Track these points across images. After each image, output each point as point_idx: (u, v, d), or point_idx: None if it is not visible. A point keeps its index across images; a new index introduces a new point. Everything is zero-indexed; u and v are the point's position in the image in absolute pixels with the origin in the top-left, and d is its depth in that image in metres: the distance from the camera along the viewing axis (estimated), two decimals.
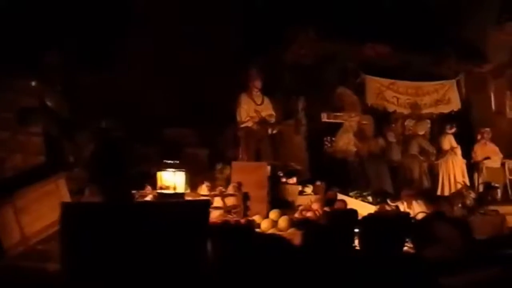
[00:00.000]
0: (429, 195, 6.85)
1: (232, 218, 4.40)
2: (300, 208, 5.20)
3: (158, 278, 3.21)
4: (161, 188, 3.88)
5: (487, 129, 10.36)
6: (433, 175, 9.73)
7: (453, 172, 9.38)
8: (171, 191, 3.80)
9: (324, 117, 10.35)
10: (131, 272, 3.20)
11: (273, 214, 4.61)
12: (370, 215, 4.94)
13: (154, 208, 3.43)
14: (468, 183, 9.30)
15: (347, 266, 3.92)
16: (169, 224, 3.22)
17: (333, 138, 9.67)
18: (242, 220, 4.04)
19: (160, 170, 3.94)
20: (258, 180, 5.82)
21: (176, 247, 3.20)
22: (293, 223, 4.53)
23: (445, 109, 11.13)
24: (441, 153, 9.78)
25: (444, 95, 11.19)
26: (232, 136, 8.75)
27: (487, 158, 10.18)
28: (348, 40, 9.45)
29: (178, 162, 4.18)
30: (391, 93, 10.62)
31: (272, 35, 8.96)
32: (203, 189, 5.25)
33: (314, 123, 10.26)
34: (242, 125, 8.02)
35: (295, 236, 4.22)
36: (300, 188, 6.96)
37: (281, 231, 4.46)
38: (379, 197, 6.83)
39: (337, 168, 8.90)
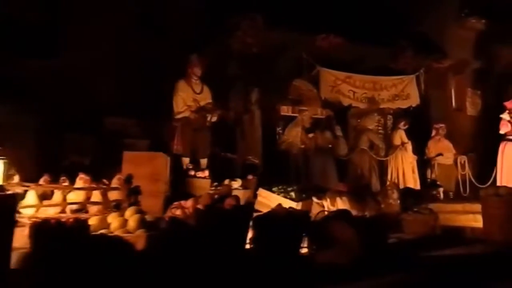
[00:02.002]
0: (361, 192, 6.08)
1: (53, 217, 3.65)
2: (172, 206, 4.43)
3: None
4: None
5: (442, 125, 9.68)
6: (384, 170, 9.00)
7: (402, 168, 8.65)
8: None
9: (289, 111, 9.68)
10: None
11: (128, 212, 3.87)
12: (263, 213, 4.22)
13: None
14: (416, 180, 8.60)
15: (213, 269, 3.18)
16: None
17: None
18: (71, 219, 3.32)
19: None
20: (153, 172, 5.07)
21: None
22: (144, 223, 3.77)
23: (403, 104, 10.42)
24: (392, 148, 9.01)
25: (403, 90, 10.46)
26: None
27: (440, 154, 9.47)
28: (299, 30, 8.66)
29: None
30: (347, 87, 9.87)
31: (219, 21, 8.16)
32: (78, 182, 4.49)
33: (269, 115, 9.51)
34: (179, 115, 7.23)
35: (140, 239, 3.47)
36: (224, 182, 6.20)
37: (129, 232, 3.71)
38: (305, 193, 6.08)
39: (280, 161, 8.17)
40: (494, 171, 8.29)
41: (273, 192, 6.17)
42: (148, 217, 3.94)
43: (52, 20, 8.17)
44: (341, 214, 4.33)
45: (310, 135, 8.30)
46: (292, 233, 3.88)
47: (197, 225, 3.67)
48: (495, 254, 5.43)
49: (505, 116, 7.87)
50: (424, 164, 9.59)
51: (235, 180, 6.42)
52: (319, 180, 7.87)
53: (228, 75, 8.86)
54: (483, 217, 6.34)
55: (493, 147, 8.89)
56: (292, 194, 6.06)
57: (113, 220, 3.77)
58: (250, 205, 4.69)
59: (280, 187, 6.27)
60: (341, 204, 5.54)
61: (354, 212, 5.59)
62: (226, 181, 6.40)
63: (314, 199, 5.84)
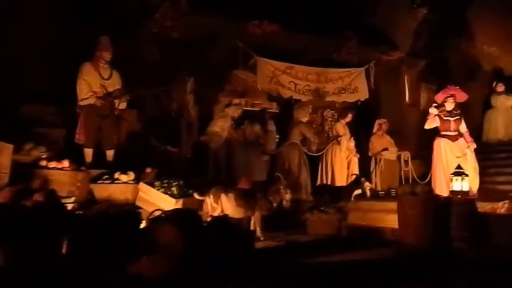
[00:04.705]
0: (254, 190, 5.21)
1: None
2: None
3: None
4: None
5: (385, 120, 8.79)
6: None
7: (331, 164, 7.75)
8: None
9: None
10: None
11: None
12: (84, 213, 3.40)
13: None
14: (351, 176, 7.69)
15: None
16: None
17: None
18: None
19: None
20: None
21: None
22: None
23: (350, 98, 9.55)
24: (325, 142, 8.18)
25: (350, 84, 9.58)
26: None
27: (385, 149, 8.62)
28: (229, 15, 7.78)
29: None
30: (288, 78, 8.99)
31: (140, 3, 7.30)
32: None
33: (207, 106, 8.65)
34: (83, 102, 6.37)
35: None
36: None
37: None
38: (190, 188, 5.21)
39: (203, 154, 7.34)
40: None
41: (155, 186, 5.32)
42: None
43: None
44: (176, 214, 3.46)
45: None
46: (107, 237, 3.04)
47: None
48: (393, 260, 4.60)
49: (432, 110, 6.99)
50: (367, 160, 8.75)
51: (126, 174, 5.56)
52: (243, 175, 7.00)
53: (156, 61, 8.02)
54: (399, 218, 5.52)
55: None
56: (174, 189, 5.21)
57: None
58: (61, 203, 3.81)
59: (165, 181, 5.42)
60: (226, 201, 4.71)
61: (240, 211, 4.78)
62: (116, 174, 5.56)
63: (195, 195, 4.99)
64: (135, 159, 7.06)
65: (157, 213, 3.48)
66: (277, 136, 8.78)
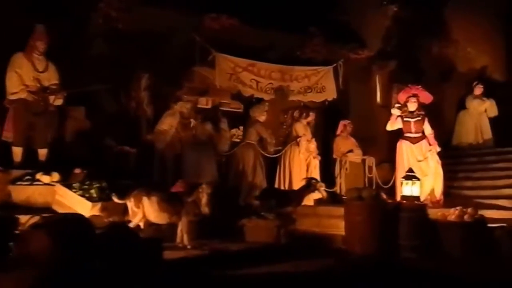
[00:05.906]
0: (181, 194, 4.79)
1: None
2: None
3: None
4: None
5: (349, 121, 8.41)
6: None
7: (289, 166, 7.36)
8: None
9: (208, 103, 8.43)
10: None
11: None
12: None
13: None
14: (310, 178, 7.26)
15: None
16: None
17: None
18: None
19: None
20: None
21: None
22: None
23: (317, 97, 9.13)
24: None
25: (317, 83, 9.17)
26: None
27: (350, 151, 8.24)
28: (184, 8, 7.36)
29: None
30: (249, 76, 8.56)
31: None
32: None
33: (165, 104, 8.21)
34: (12, 96, 5.91)
35: None
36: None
37: None
38: (115, 190, 4.76)
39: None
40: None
41: (73, 189, 4.88)
42: None
43: None
44: (54, 220, 3.02)
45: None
46: None
47: None
48: (330, 272, 4.19)
49: (395, 111, 6.62)
50: (329, 163, 8.37)
51: (49, 174, 5.11)
52: (192, 176, 6.58)
53: (107, 56, 7.56)
54: (345, 225, 5.12)
55: None
56: (93, 192, 4.78)
57: None
58: None
59: (87, 182, 4.97)
60: (148, 205, 4.29)
61: (164, 216, 4.36)
62: (38, 175, 5.11)
63: (114, 198, 4.56)
64: (82, 159, 6.63)
65: (36, 219, 3.06)
66: (239, 136, 8.41)
